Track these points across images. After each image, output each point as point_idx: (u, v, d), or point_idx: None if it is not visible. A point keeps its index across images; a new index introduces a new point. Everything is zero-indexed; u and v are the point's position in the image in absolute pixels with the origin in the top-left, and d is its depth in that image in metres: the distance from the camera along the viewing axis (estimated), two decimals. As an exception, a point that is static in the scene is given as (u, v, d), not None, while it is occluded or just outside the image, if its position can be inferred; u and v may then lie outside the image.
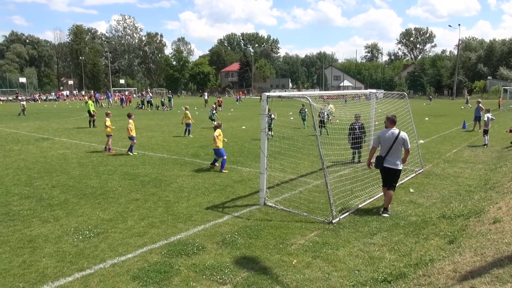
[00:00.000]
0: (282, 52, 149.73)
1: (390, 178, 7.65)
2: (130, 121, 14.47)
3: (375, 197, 8.60)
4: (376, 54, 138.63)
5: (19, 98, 60.18)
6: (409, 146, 7.80)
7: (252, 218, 7.45)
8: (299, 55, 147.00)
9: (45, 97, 74.83)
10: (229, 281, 5.05)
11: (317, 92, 15.24)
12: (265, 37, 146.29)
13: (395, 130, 7.74)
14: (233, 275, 5.19)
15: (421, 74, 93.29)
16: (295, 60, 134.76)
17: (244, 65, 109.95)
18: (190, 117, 20.01)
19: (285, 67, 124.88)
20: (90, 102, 25.92)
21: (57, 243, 6.24)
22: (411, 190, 9.22)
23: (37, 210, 7.92)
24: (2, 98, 71.33)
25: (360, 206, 8.01)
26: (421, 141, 15.95)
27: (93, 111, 24.64)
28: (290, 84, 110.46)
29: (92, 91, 78.44)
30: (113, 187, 9.66)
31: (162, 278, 5.11)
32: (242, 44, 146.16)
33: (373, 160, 7.92)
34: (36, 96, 73.54)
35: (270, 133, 16.96)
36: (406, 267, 5.17)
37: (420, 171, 11.18)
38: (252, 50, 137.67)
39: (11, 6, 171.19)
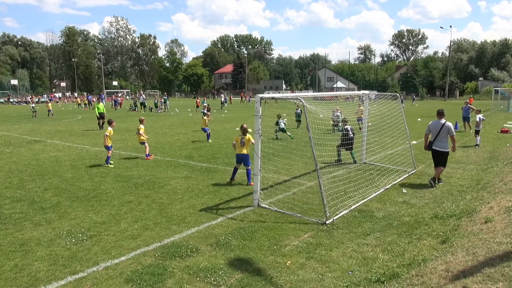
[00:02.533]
0: (275, 54, 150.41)
1: (439, 158, 9.56)
2: (109, 128, 13.01)
3: (369, 198, 8.65)
4: (369, 56, 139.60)
5: (31, 100, 59.61)
6: (454, 134, 9.59)
7: (246, 219, 7.45)
8: (293, 56, 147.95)
9: (37, 99, 74.16)
10: (223, 283, 5.04)
11: (310, 93, 15.31)
12: (259, 38, 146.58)
13: (442, 121, 9.60)
14: (227, 277, 5.18)
15: (414, 76, 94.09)
16: (289, 61, 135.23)
17: (238, 66, 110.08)
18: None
19: (279, 68, 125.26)
20: (101, 104, 25.65)
21: (50, 246, 6.19)
22: (404, 191, 9.28)
23: (29, 213, 7.86)
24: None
25: (353, 207, 8.04)
26: (414, 142, 16.07)
27: (99, 113, 24.42)
28: (284, 86, 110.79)
29: (86, 93, 77.96)
30: (106, 190, 9.61)
31: (155, 280, 5.09)
32: (236, 46, 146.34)
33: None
34: (28, 99, 72.86)
35: (289, 134, 18.25)
36: (399, 267, 5.20)
37: (413, 171, 11.26)
38: (245, 52, 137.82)
39: (3, 8, 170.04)
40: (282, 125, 17.89)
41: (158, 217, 7.59)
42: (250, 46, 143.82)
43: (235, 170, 10.30)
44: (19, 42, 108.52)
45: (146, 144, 13.93)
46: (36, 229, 6.97)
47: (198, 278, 5.16)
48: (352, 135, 12.24)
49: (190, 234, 6.71)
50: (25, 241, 6.40)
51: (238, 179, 10.40)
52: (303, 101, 7.78)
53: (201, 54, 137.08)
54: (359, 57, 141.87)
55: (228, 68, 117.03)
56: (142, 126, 14.04)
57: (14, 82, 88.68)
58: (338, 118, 17.71)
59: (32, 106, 36.91)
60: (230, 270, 5.38)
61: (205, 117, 18.45)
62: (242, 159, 10.02)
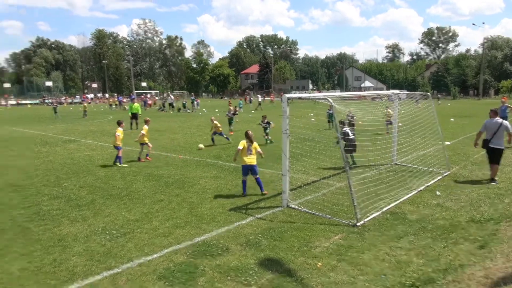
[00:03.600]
0: (301, 53, 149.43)
1: (494, 155, 9.86)
2: (120, 129, 13.12)
3: (401, 200, 8.46)
4: (398, 54, 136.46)
5: (84, 100, 61.63)
6: (511, 131, 9.95)
7: (275, 220, 7.45)
8: (319, 56, 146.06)
9: (70, 100, 76.70)
10: (254, 283, 5.06)
11: (338, 93, 15.09)
12: (284, 38, 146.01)
13: (498, 120, 10.04)
14: (258, 277, 5.20)
15: (445, 74, 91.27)
16: (315, 61, 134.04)
17: (264, 66, 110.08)
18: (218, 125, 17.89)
19: (305, 68, 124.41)
20: (136, 104, 26.16)
21: (86, 242, 6.39)
22: (438, 193, 9.03)
23: (66, 210, 8.14)
24: (29, 102, 73.62)
25: (385, 209, 7.89)
26: (447, 143, 15.60)
27: (132, 113, 24.91)
28: (310, 86, 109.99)
29: (116, 94, 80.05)
30: (138, 188, 9.82)
31: (187, 278, 5.17)
32: (261, 46, 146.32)
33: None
34: (62, 100, 75.47)
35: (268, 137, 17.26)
36: (434, 272, 5.07)
37: (447, 173, 10.94)
38: (271, 52, 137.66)
39: (36, 13, 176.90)
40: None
41: (189, 215, 7.70)
42: (275, 46, 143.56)
43: (245, 183, 9.14)
44: (53, 45, 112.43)
45: (149, 144, 13.53)
46: (73, 225, 7.21)
47: (228, 277, 5.20)
48: (352, 137, 11.94)
49: (220, 233, 6.77)
50: (63, 237, 6.63)
51: (267, 178, 10.40)
52: (331, 101, 7.71)
53: (227, 54, 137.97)
54: (387, 55, 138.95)
55: (254, 68, 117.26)
56: (146, 127, 13.68)
57: (49, 83, 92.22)
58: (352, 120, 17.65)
59: (54, 107, 38.06)
60: (261, 270, 5.39)
61: (231, 127, 18.56)
62: (251, 170, 8.97)
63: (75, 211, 8.02)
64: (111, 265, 5.58)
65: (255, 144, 9.12)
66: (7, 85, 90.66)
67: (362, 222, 7.09)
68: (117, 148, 12.84)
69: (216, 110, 45.77)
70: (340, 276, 5.20)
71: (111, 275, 5.30)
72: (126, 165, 12.67)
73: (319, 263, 5.56)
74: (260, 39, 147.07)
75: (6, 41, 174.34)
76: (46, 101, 76.97)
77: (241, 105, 42.95)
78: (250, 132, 9.14)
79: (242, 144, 8.99)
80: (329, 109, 21.80)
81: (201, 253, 5.96)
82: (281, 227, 7.02)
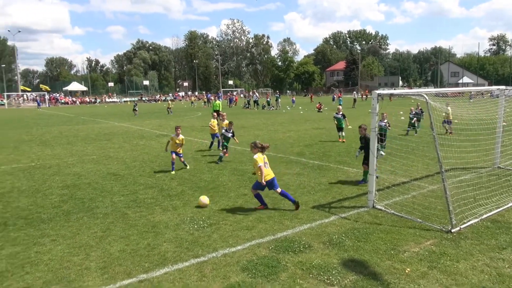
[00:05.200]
0: (391, 49, 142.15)
1: None
2: (213, 120, 15.35)
3: (505, 207, 7.60)
4: (504, 47, 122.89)
5: (168, 98, 66.90)
6: None
7: (360, 220, 7.18)
8: (411, 51, 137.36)
9: (164, 98, 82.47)
10: (337, 283, 4.93)
11: (433, 89, 13.96)
12: (373, 33, 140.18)
13: None
14: (341, 277, 5.05)
15: (562, 68, 79.97)
16: (406, 56, 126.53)
17: (350, 63, 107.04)
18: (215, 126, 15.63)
19: (395, 64, 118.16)
20: (218, 102, 27.51)
21: (176, 230, 6.80)
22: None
23: (159, 199, 8.75)
24: (129, 99, 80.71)
25: (485, 216, 7.15)
26: None
27: (215, 110, 26.07)
28: (400, 82, 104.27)
29: (204, 92, 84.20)
30: (223, 182, 10.19)
31: (270, 272, 5.22)
32: (348, 42, 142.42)
33: None
34: (157, 97, 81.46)
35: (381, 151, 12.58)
36: (546, 290, 4.46)
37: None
38: (359, 48, 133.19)
39: (137, 17, 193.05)
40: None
41: (271, 211, 7.77)
42: (363, 42, 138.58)
43: (260, 196, 8.02)
44: (150, 47, 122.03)
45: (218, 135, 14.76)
46: (164, 213, 7.72)
47: (311, 275, 5.14)
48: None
49: (302, 230, 6.72)
50: (155, 224, 7.14)
51: (352, 177, 10.08)
52: (426, 97, 7.18)
53: (312, 51, 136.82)
54: (491, 48, 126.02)
55: (340, 65, 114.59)
56: (214, 120, 15.38)
57: (146, 82, 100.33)
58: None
59: (135, 104, 40.64)
60: (344, 271, 5.23)
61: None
62: (271, 184, 7.81)
63: (166, 201, 8.59)
64: (198, 253, 5.86)
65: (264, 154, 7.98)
66: (111, 84, 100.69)
67: (457, 228, 6.51)
68: (214, 135, 14.95)
69: (300, 107, 45.66)
70: (431, 284, 4.84)
71: (198, 262, 5.56)
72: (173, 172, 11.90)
73: (408, 269, 5.23)
74: (347, 35, 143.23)
75: (112, 45, 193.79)
76: (143, 98, 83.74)
77: (341, 102, 42.47)
78: (263, 143, 8.06)
79: (261, 159, 7.75)
80: (412, 111, 20.04)
81: (283, 248, 5.98)
82: (366, 228, 6.74)
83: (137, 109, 38.86)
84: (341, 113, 17.20)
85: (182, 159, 11.83)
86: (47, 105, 68.20)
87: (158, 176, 10.97)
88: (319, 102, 42.85)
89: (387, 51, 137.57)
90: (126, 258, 5.73)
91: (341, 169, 11.48)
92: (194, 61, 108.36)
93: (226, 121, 14.19)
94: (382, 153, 12.05)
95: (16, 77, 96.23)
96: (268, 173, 7.77)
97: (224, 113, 16.05)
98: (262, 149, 7.92)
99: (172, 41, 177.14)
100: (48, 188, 9.90)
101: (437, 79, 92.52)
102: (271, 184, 7.79)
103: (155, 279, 5.09)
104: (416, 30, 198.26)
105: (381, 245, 6.04)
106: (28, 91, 79.34)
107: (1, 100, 70.51)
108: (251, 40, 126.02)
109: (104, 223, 7.21)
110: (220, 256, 5.74)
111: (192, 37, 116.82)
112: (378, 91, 8.01)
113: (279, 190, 7.83)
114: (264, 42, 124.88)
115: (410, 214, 7.28)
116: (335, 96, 58.67)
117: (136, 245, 6.20)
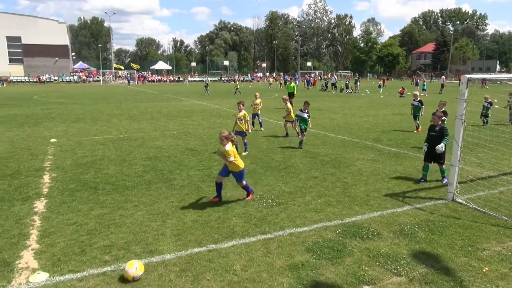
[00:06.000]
0: (490, 30, 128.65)
1: None
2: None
3: None
4: None
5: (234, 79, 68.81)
6: None
7: (437, 212, 6.78)
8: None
9: (242, 78, 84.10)
10: (405, 273, 4.75)
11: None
12: (470, 12, 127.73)
13: None
14: (410, 269, 4.86)
15: None
16: (507, 38, 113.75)
17: (441, 45, 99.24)
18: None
19: (493, 46, 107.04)
20: (293, 84, 27.45)
21: (245, 207, 7.02)
22: None
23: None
24: (209, 79, 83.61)
25: None
26: None
27: (289, 92, 26.03)
28: (498, 67, 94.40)
29: (282, 73, 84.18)
30: (294, 163, 10.23)
31: (334, 255, 5.19)
32: (440, 22, 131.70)
33: None
34: (235, 78, 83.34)
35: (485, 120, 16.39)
36: None
37: None
38: (451, 28, 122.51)
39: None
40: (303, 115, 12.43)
41: (341, 195, 7.65)
42: (458, 22, 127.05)
43: (248, 186, 7.47)
44: (232, 28, 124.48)
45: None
46: (235, 190, 7.99)
47: (377, 263, 5.01)
48: None
49: (372, 217, 6.54)
50: (227, 199, 7.43)
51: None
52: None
53: (399, 32, 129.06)
54: None
55: (429, 47, 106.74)
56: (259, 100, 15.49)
57: (226, 63, 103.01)
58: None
59: (206, 84, 40.81)
60: (414, 262, 5.02)
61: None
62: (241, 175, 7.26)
63: (238, 178, 8.86)
64: (265, 230, 6.01)
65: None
66: (193, 63, 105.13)
67: (551, 230, 5.86)
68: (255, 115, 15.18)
69: (381, 91, 43.65)
70: (511, 287, 4.45)
71: (264, 239, 5.71)
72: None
73: (486, 268, 4.86)
74: (439, 14, 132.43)
75: (196, 26, 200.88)
76: (223, 78, 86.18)
77: (425, 87, 40.18)
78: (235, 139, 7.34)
79: (234, 151, 7.12)
80: (487, 99, 17.88)
81: (350, 233, 5.89)
82: (442, 221, 6.36)
83: (208, 88, 40.04)
84: (418, 99, 15.56)
85: (245, 140, 11.36)
86: (136, 83, 73.40)
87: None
88: (402, 87, 40.56)
89: (485, 32, 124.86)
90: (198, 228, 6.07)
91: (420, 157, 10.81)
92: (274, 42, 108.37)
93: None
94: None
95: (110, 56, 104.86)
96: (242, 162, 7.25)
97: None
98: (233, 141, 7.16)
99: (253, 21, 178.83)
100: (133, 158, 10.76)
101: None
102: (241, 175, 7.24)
103: (223, 250, 5.34)
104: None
105: (457, 240, 5.67)
106: (121, 69, 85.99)
107: (97, 77, 77.38)
108: (333, 21, 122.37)
109: (180, 194, 7.69)
110: (286, 235, 5.83)
111: (273, 18, 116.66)
112: (468, 75, 7.37)
113: (241, 183, 7.31)
114: (347, 23, 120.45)
115: (495, 211, 6.70)
116: (418, 80, 54.85)
117: (207, 217, 6.53)
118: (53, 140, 13.41)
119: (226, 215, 6.61)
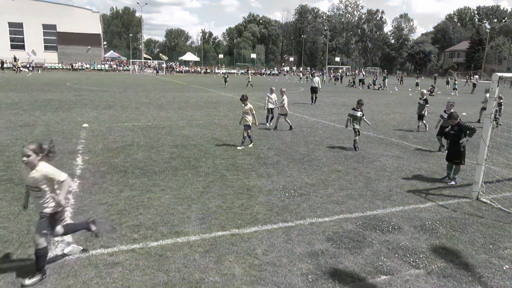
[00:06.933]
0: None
1: None
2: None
3: None
4: None
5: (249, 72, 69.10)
6: None
7: (460, 210, 6.76)
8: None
9: (269, 72, 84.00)
10: (423, 266, 4.82)
11: None
12: (508, 10, 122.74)
13: None
14: (428, 262, 4.92)
15: None
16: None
17: (476, 43, 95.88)
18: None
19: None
20: (316, 78, 27.24)
21: (268, 195, 7.20)
22: None
23: (255, 165, 9.25)
24: (235, 71, 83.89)
25: None
26: None
27: (313, 87, 25.85)
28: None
29: (309, 68, 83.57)
30: (318, 156, 10.32)
31: (354, 246, 5.30)
32: (476, 20, 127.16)
33: None
34: (262, 71, 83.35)
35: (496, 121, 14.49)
36: None
37: None
38: (488, 26, 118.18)
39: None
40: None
41: (364, 189, 7.72)
42: (495, 20, 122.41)
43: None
44: (260, 21, 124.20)
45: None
46: (259, 179, 8.18)
47: (396, 255, 5.09)
48: None
49: (393, 212, 6.59)
50: (250, 187, 7.63)
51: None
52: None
53: (432, 29, 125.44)
54: None
55: (463, 45, 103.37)
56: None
57: (253, 55, 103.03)
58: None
59: (226, 76, 40.45)
60: (433, 256, 5.07)
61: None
62: None
63: (262, 168, 9.05)
64: (286, 218, 6.18)
65: None
66: (221, 56, 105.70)
67: None
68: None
69: (409, 89, 42.80)
70: (532, 286, 4.46)
71: (285, 227, 5.87)
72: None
73: (506, 266, 4.87)
74: (475, 12, 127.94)
75: (225, 18, 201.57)
76: (249, 71, 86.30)
77: (455, 86, 39.13)
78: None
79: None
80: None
81: (371, 226, 5.97)
82: (465, 219, 6.35)
83: (228, 81, 40.02)
84: (424, 97, 14.97)
85: (245, 134, 11.13)
86: (164, 73, 74.58)
87: (256, 145, 11.51)
88: (431, 85, 39.62)
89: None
90: (222, 213, 6.30)
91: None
92: (302, 36, 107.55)
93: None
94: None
95: (140, 46, 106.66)
96: None
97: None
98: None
99: (282, 14, 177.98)
100: (161, 145, 11.11)
101: None
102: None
103: (245, 235, 5.54)
104: None
105: (479, 237, 5.67)
106: (149, 59, 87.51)
107: (127, 66, 79.03)
108: (363, 16, 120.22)
109: (205, 181, 7.94)
110: (307, 224, 5.97)
111: (303, 11, 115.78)
112: (500, 74, 7.25)
113: None
114: (378, 18, 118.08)
115: (520, 212, 6.63)
116: (449, 79, 52.99)
117: (231, 203, 6.75)
118: (85, 125, 13.96)
119: (249, 202, 6.81)
